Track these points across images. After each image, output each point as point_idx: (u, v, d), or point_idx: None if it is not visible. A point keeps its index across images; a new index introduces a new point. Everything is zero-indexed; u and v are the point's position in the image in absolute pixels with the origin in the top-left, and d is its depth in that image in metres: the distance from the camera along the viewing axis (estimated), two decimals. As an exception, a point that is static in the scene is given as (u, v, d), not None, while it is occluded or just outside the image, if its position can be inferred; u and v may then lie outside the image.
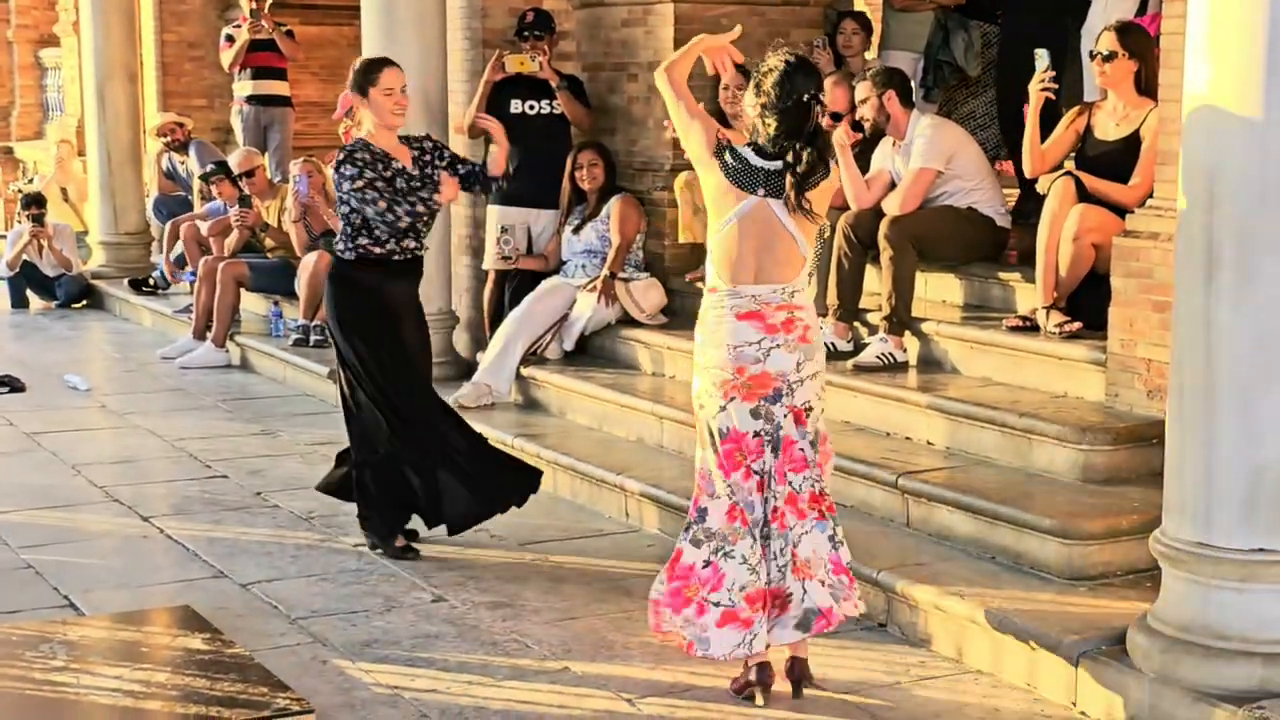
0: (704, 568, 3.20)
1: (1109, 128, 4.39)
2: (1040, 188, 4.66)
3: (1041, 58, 4.45)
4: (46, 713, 3.16)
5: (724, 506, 3.20)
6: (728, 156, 3.21)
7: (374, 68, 4.17)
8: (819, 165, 3.17)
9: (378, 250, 4.12)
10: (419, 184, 4.15)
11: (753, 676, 3.24)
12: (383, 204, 4.05)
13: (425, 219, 4.16)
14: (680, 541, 3.28)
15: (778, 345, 3.17)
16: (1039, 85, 4.43)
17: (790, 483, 3.21)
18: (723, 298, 3.21)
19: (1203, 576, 2.93)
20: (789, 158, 3.16)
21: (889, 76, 4.93)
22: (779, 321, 3.18)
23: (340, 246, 4.21)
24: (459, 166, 4.30)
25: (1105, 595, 3.47)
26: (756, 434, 3.20)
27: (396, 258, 4.14)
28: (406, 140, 4.24)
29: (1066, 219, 4.25)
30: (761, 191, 3.18)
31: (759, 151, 3.20)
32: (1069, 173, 4.39)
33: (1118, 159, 4.31)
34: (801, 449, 3.22)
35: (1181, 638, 2.96)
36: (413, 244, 4.17)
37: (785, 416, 3.20)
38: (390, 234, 4.11)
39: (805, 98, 3.16)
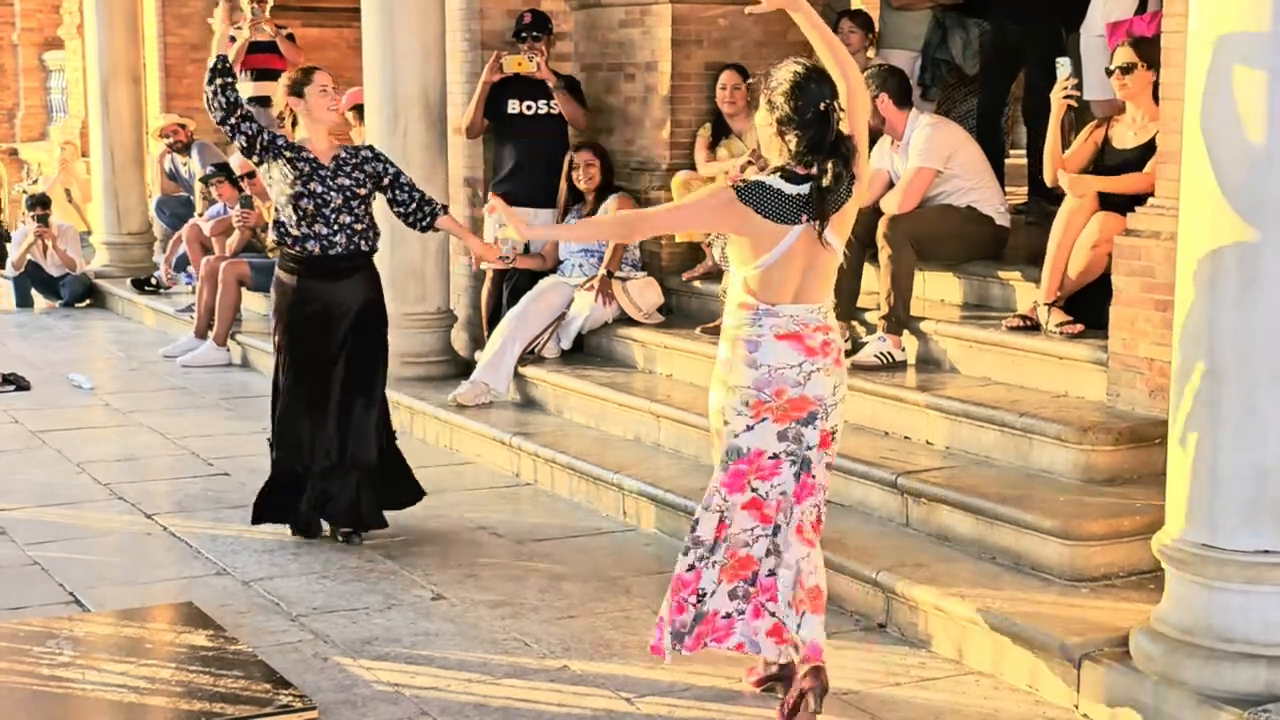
0: (688, 572, 3.19)
1: (1127, 138, 4.40)
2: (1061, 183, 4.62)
3: (1063, 66, 4.46)
4: (54, 708, 3.18)
5: (714, 521, 3.16)
6: (755, 197, 3.02)
7: (305, 72, 4.34)
8: (846, 175, 3.02)
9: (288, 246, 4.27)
10: (327, 175, 4.23)
11: (774, 672, 3.21)
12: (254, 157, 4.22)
13: (334, 205, 4.19)
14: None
15: (818, 369, 3.06)
16: (1061, 93, 4.44)
17: (801, 509, 3.14)
18: (760, 316, 3.07)
19: (1207, 578, 2.91)
20: (815, 172, 3.00)
21: (883, 79, 4.89)
22: (818, 344, 3.07)
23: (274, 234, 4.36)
24: (396, 191, 4.30)
25: (1107, 597, 3.46)
26: (775, 455, 3.09)
27: (314, 253, 4.22)
28: (351, 149, 4.35)
29: (1087, 224, 4.25)
30: (804, 219, 3.02)
31: (787, 177, 3.03)
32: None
33: (1135, 168, 4.30)
34: (816, 474, 3.13)
35: (1185, 640, 2.95)
36: (326, 241, 4.21)
37: (815, 440, 3.10)
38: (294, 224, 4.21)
39: (823, 106, 3.00)
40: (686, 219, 3.39)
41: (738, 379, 3.09)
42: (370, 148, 4.44)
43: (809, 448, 3.10)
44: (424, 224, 4.37)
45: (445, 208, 4.45)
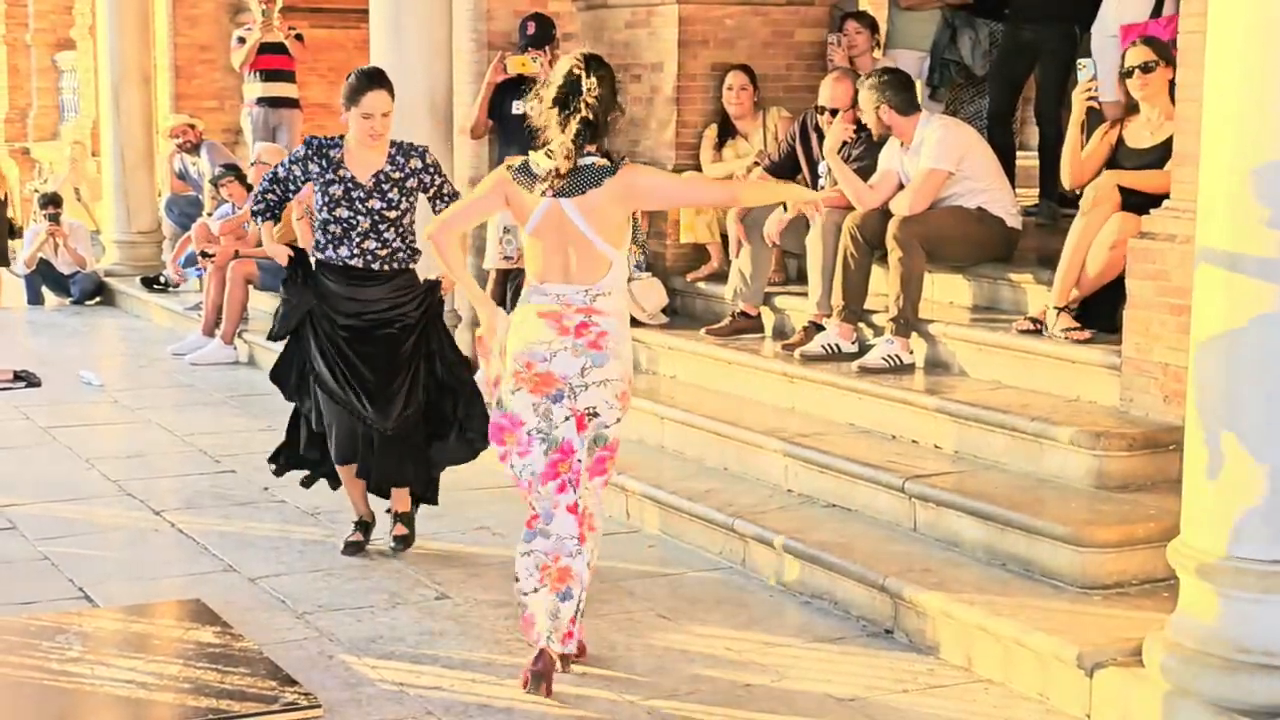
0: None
1: (1143, 137, 4.38)
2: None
3: (1086, 68, 4.43)
4: (63, 703, 3.18)
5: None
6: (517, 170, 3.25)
7: (359, 89, 4.07)
8: (582, 147, 3.19)
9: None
10: (365, 195, 4.10)
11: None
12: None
13: (361, 229, 4.09)
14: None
15: (565, 348, 3.21)
16: (1083, 95, 4.41)
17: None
18: (528, 294, 3.29)
19: (1223, 587, 2.88)
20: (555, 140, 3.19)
21: (881, 89, 4.83)
22: (573, 325, 3.22)
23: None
24: (438, 202, 4.18)
25: (1120, 605, 3.43)
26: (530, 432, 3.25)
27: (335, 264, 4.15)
28: (398, 146, 4.15)
29: (1106, 224, 4.22)
30: (547, 191, 3.22)
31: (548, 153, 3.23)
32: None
33: (1152, 168, 4.27)
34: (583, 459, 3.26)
35: (1201, 650, 2.91)
36: (351, 251, 4.11)
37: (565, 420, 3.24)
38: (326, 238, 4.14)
39: (574, 71, 3.19)
40: (484, 205, 3.44)
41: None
42: (424, 152, 4.21)
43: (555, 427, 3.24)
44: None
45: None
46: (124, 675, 3.27)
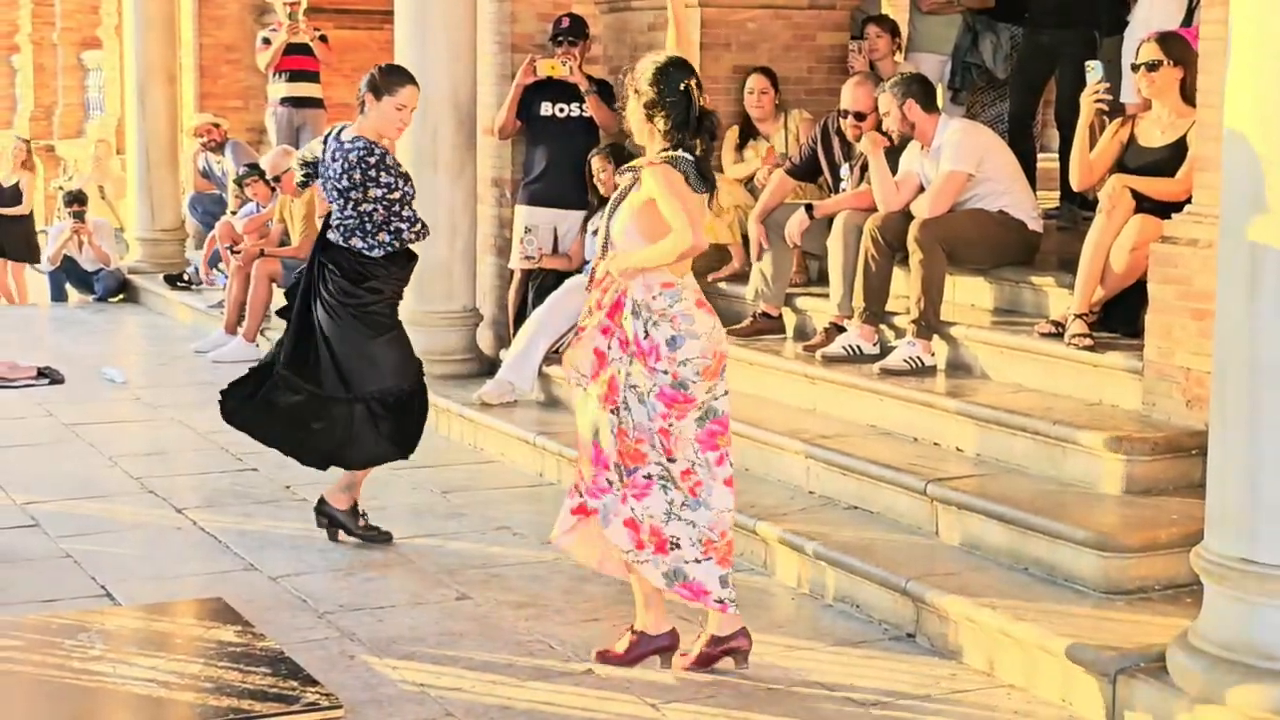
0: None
1: (1154, 136, 4.35)
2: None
3: (1094, 69, 4.41)
4: (85, 701, 3.21)
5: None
6: (684, 168, 3.26)
7: (398, 79, 4.13)
8: (712, 150, 3.34)
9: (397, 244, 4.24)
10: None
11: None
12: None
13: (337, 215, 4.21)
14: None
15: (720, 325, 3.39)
16: (1092, 97, 4.39)
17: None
18: (680, 290, 3.35)
19: (1247, 593, 2.85)
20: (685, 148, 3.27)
21: (907, 85, 4.86)
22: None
23: (364, 243, 4.19)
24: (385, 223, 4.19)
25: (1143, 610, 3.41)
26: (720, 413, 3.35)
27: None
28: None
29: (1124, 228, 4.20)
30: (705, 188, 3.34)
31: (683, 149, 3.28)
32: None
33: (1163, 167, 4.25)
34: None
35: (1225, 657, 2.88)
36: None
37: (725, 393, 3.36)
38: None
39: (683, 86, 3.24)
40: (685, 209, 3.39)
41: (686, 353, 3.28)
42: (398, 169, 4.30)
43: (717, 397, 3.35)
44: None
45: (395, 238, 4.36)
46: (145, 674, 3.29)
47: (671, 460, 3.31)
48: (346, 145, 4.15)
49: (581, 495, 3.39)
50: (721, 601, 3.34)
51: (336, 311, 4.21)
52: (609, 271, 3.35)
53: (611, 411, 3.32)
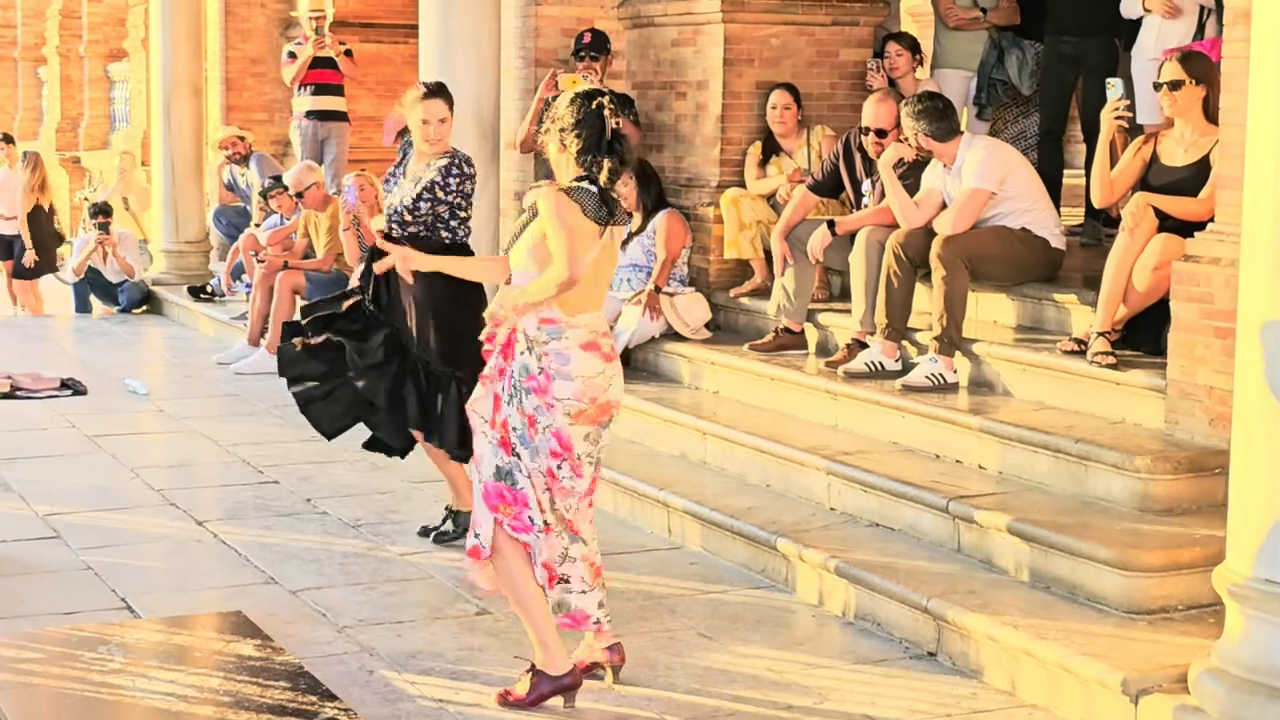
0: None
1: (1176, 154, 4.33)
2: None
3: (1114, 86, 4.39)
4: (105, 714, 3.22)
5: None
6: (578, 197, 3.16)
7: (415, 94, 4.35)
8: (620, 174, 3.22)
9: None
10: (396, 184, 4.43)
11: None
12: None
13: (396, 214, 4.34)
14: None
15: (616, 374, 3.26)
16: (1112, 114, 4.37)
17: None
18: (564, 329, 3.20)
19: (1271, 614, 2.82)
20: (592, 174, 3.17)
21: (918, 117, 4.82)
22: (607, 349, 3.26)
23: (451, 237, 4.36)
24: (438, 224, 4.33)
25: (1166, 630, 3.38)
26: (579, 457, 3.26)
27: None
28: (451, 154, 4.37)
29: (1147, 246, 4.17)
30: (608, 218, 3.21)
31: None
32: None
33: (1186, 185, 4.23)
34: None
35: (1249, 678, 2.86)
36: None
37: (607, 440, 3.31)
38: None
39: (595, 104, 3.18)
40: (569, 241, 3.24)
41: (556, 393, 3.19)
42: (464, 165, 4.45)
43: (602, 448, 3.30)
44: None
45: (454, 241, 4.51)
46: (164, 688, 3.31)
47: (553, 505, 3.27)
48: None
49: (477, 536, 3.33)
50: (598, 623, 3.37)
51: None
52: (500, 307, 3.22)
53: (514, 455, 3.25)
